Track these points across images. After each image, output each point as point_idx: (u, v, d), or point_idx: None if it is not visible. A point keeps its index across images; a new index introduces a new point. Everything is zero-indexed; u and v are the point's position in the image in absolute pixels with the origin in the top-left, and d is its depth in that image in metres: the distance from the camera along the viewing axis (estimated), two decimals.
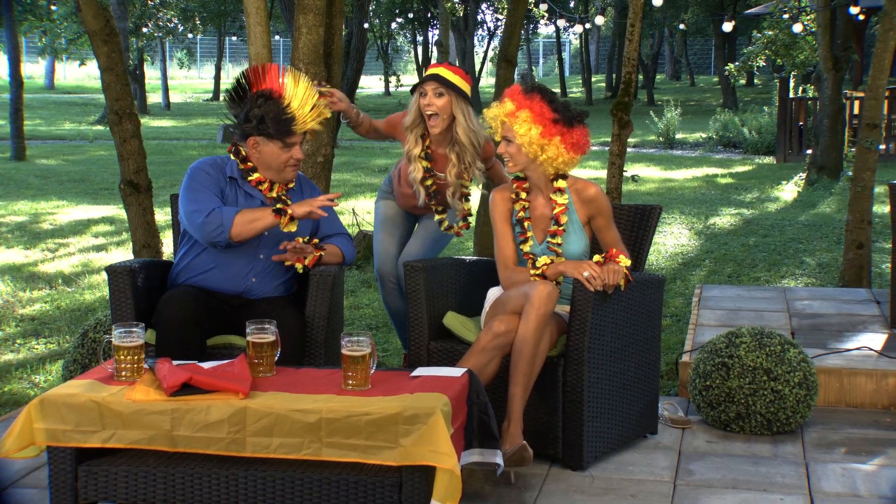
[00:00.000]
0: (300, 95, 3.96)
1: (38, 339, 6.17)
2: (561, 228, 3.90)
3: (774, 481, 3.68)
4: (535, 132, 3.78)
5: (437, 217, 4.65)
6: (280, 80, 3.96)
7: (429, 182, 4.54)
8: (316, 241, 4.03)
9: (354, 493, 3.06)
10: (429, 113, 4.43)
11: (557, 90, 35.01)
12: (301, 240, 3.96)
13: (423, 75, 4.51)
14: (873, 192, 6.78)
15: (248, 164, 4.00)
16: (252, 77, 3.99)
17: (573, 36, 42.05)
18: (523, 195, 3.97)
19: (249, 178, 4.00)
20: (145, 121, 20.88)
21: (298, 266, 3.95)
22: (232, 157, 4.03)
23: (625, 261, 3.79)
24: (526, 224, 3.94)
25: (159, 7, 28.27)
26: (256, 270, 3.99)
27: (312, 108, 3.98)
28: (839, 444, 4.09)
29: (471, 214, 4.66)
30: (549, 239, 3.92)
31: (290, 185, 4.07)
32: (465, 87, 4.42)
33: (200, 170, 4.01)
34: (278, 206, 3.91)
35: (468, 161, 4.48)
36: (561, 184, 3.92)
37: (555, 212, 3.91)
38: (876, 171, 6.72)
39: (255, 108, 3.91)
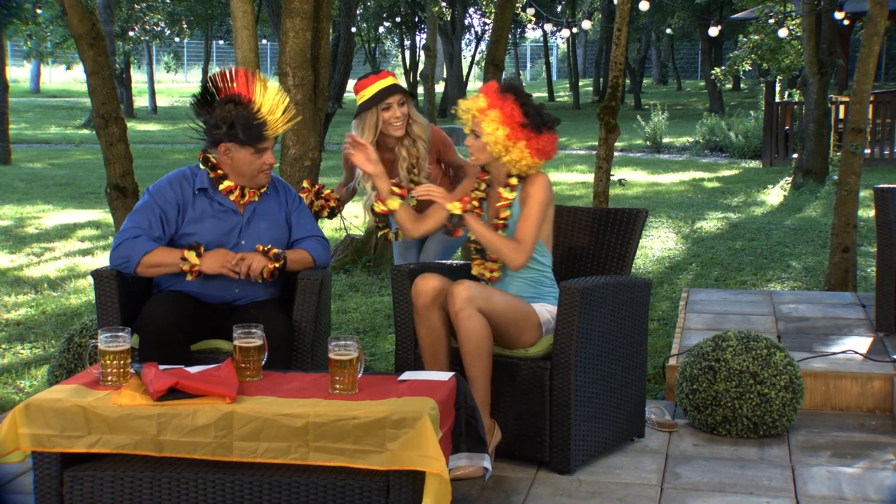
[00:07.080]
0: (270, 100, 3.89)
1: (24, 343, 6.13)
2: (501, 222, 3.94)
3: (761, 484, 3.70)
4: (501, 133, 3.81)
5: (380, 233, 4.70)
6: (248, 84, 3.88)
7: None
8: (275, 251, 3.90)
9: (342, 498, 3.06)
10: (398, 123, 4.47)
11: (545, 94, 35.07)
12: (261, 247, 3.89)
13: (378, 90, 4.45)
14: (858, 196, 6.82)
15: (219, 171, 3.94)
16: (220, 82, 3.91)
17: (560, 40, 42.16)
18: (482, 186, 4.03)
19: (221, 187, 3.94)
20: (132, 125, 20.81)
21: (259, 278, 3.87)
22: (202, 166, 3.98)
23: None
24: (476, 213, 3.99)
25: (146, 11, 28.21)
26: (239, 283, 3.93)
27: (284, 113, 3.92)
28: (825, 447, 4.11)
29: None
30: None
31: (263, 190, 4.02)
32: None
33: (158, 188, 3.95)
34: (186, 254, 3.80)
35: (421, 150, 4.53)
36: (513, 181, 3.95)
37: (498, 205, 3.96)
38: (861, 175, 6.76)
39: (224, 114, 3.84)
